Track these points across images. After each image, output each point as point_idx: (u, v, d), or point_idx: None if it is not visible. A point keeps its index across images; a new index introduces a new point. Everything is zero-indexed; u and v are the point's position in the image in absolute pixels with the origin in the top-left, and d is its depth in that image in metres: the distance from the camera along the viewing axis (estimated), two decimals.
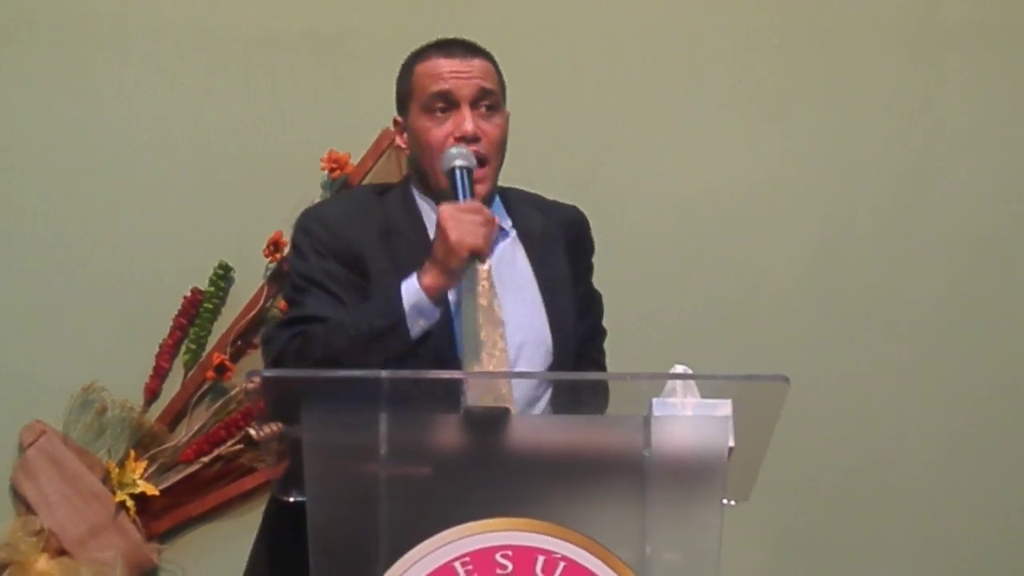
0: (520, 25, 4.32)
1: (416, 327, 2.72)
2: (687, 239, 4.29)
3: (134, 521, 4.12)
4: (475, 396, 2.54)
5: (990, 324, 4.38)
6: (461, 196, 2.76)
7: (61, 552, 4.08)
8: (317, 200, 4.17)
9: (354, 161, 4.17)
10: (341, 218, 2.96)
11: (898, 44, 4.40)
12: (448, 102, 2.89)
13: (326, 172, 4.16)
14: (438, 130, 2.89)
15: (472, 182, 2.80)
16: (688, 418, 2.36)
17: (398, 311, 2.72)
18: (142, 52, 4.24)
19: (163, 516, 4.17)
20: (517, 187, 3.12)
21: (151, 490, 4.11)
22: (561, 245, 3.04)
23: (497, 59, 3.04)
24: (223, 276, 4.19)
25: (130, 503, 4.10)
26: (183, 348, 4.20)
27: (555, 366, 2.92)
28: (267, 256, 4.15)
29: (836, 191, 4.38)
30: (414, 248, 2.85)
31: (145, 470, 4.13)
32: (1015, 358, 4.38)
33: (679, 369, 2.45)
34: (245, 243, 4.15)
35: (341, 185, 4.17)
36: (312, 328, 2.79)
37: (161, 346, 4.18)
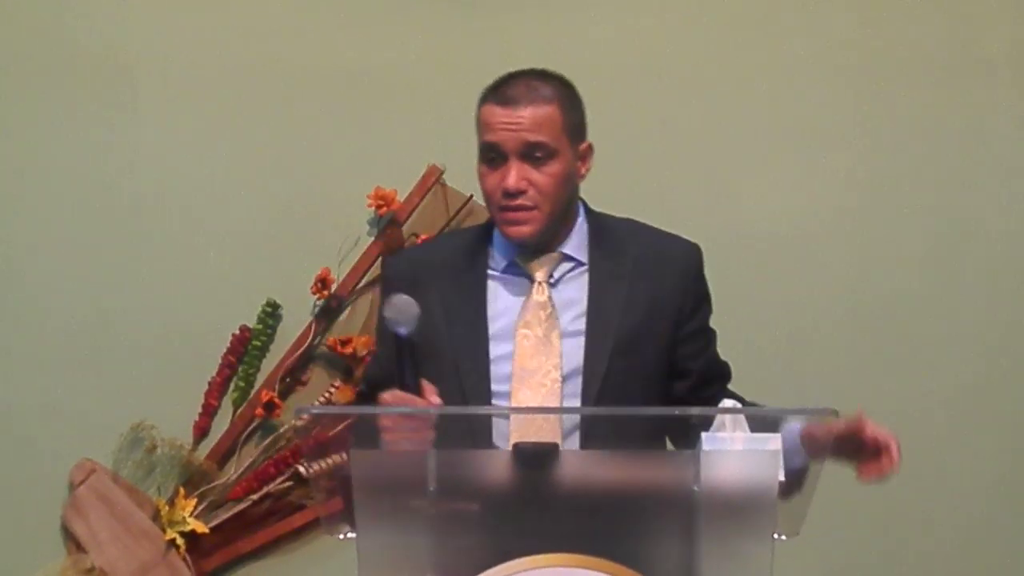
0: (562, 58, 4.30)
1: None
2: (731, 273, 4.26)
3: (184, 559, 4.13)
4: (520, 435, 2.58)
5: None
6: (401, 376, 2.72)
7: None
8: (364, 236, 4.20)
9: (400, 198, 4.18)
10: (407, 266, 3.02)
11: (939, 77, 4.38)
12: (497, 153, 2.88)
13: (373, 209, 4.18)
14: (491, 179, 2.90)
15: (404, 352, 2.71)
16: (738, 452, 2.35)
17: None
18: (186, 89, 4.27)
19: (213, 554, 4.17)
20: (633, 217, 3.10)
21: (201, 528, 4.12)
22: (652, 279, 2.98)
23: (478, 90, 3.00)
24: (271, 314, 4.20)
25: (180, 541, 4.12)
26: (232, 386, 4.21)
27: (584, 399, 2.89)
28: (315, 293, 4.16)
29: (878, 225, 4.35)
30: (461, 292, 2.90)
31: (195, 508, 4.14)
32: None
33: (728, 403, 2.45)
34: (293, 280, 4.17)
35: (388, 222, 4.18)
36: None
37: (210, 384, 4.20)
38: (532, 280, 2.90)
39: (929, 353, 4.34)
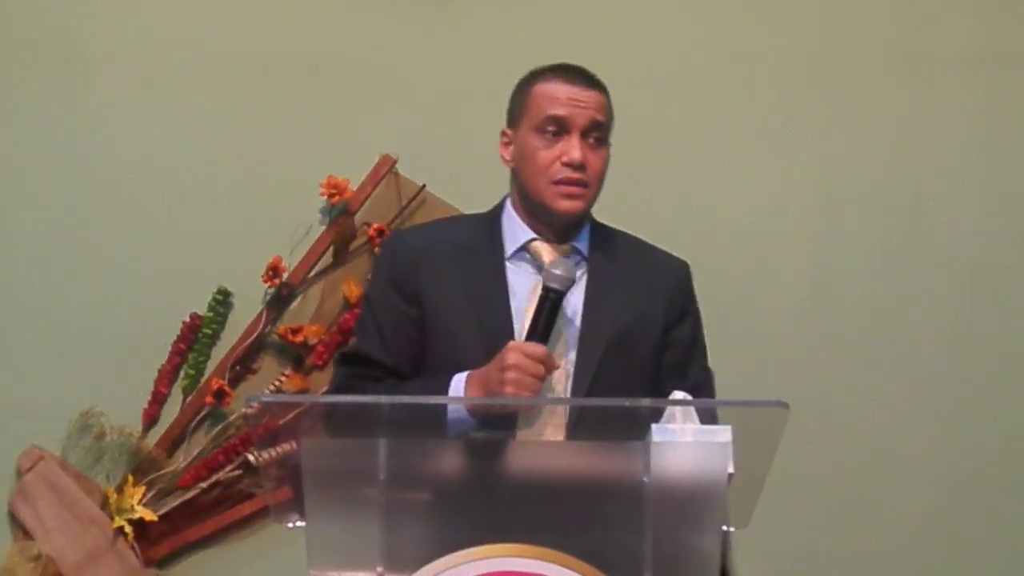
0: (526, 51, 4.32)
1: (456, 427, 2.74)
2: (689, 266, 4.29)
3: (132, 547, 4.11)
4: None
5: (988, 350, 4.38)
6: (535, 331, 2.79)
7: None
8: (316, 225, 4.19)
9: (353, 187, 4.18)
10: (414, 247, 3.04)
11: (893, 70, 4.41)
12: (560, 127, 2.95)
13: (325, 198, 4.17)
14: (547, 152, 2.95)
15: (556, 314, 2.82)
16: (688, 444, 2.36)
17: (442, 413, 2.77)
18: (138, 77, 4.26)
19: (161, 542, 4.16)
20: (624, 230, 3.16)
21: (149, 516, 4.11)
22: (645, 289, 3.04)
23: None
24: (222, 302, 4.19)
25: (128, 529, 4.10)
26: (182, 373, 4.20)
27: (575, 392, 2.93)
28: (266, 281, 4.15)
29: (834, 216, 4.38)
30: (482, 271, 2.95)
31: (143, 495, 4.13)
32: (1012, 385, 4.38)
33: (679, 395, 2.45)
34: (244, 268, 4.16)
35: (340, 211, 4.18)
36: (358, 382, 2.92)
37: (160, 371, 4.18)
38: (541, 266, 2.93)
39: (884, 346, 4.36)
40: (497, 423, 2.78)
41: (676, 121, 4.35)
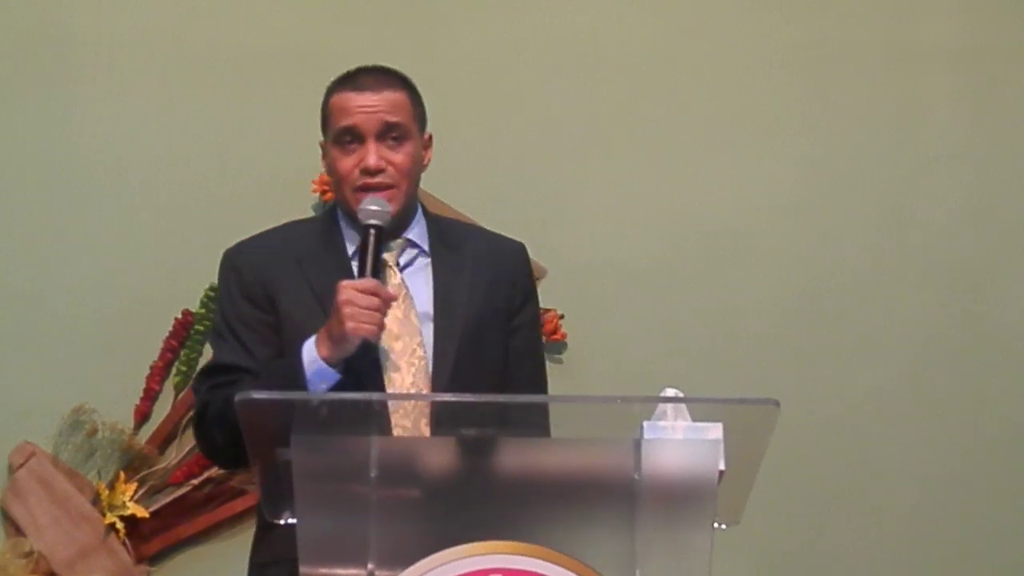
0: (502, 44, 4.33)
1: (320, 388, 2.85)
2: (679, 263, 4.30)
3: (124, 543, 4.11)
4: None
5: (976, 348, 4.39)
6: (364, 268, 2.89)
7: (50, 574, 4.07)
8: None
9: None
10: (257, 256, 3.13)
11: (880, 70, 4.42)
12: (355, 136, 3.03)
13: (317, 194, 4.17)
14: (346, 160, 3.03)
15: (380, 248, 2.91)
16: (678, 441, 2.36)
17: (300, 378, 2.86)
18: (129, 71, 4.25)
19: (153, 538, 4.16)
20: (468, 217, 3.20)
21: (141, 512, 4.11)
22: (489, 274, 3.10)
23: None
24: (214, 298, 4.18)
25: (120, 525, 4.10)
26: (173, 370, 4.20)
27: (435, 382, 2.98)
28: None
29: (822, 214, 4.40)
30: (330, 272, 2.98)
31: (135, 492, 4.12)
32: (1000, 383, 4.39)
33: (670, 392, 2.45)
34: None
35: (332, 207, 4.17)
36: (225, 389, 2.89)
37: (152, 368, 4.18)
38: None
39: (869, 343, 4.38)
40: (359, 364, 2.85)
41: (663, 119, 4.36)
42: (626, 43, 4.38)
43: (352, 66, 4.22)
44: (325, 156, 3.12)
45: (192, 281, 4.17)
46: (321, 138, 3.13)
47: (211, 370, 3.07)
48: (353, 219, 3.01)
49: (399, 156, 3.04)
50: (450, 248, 3.10)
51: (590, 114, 4.34)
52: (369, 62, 4.19)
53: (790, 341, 4.35)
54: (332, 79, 3.13)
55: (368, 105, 3.03)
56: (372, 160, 3.00)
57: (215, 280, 4.14)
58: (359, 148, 3.02)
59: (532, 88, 4.31)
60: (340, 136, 3.03)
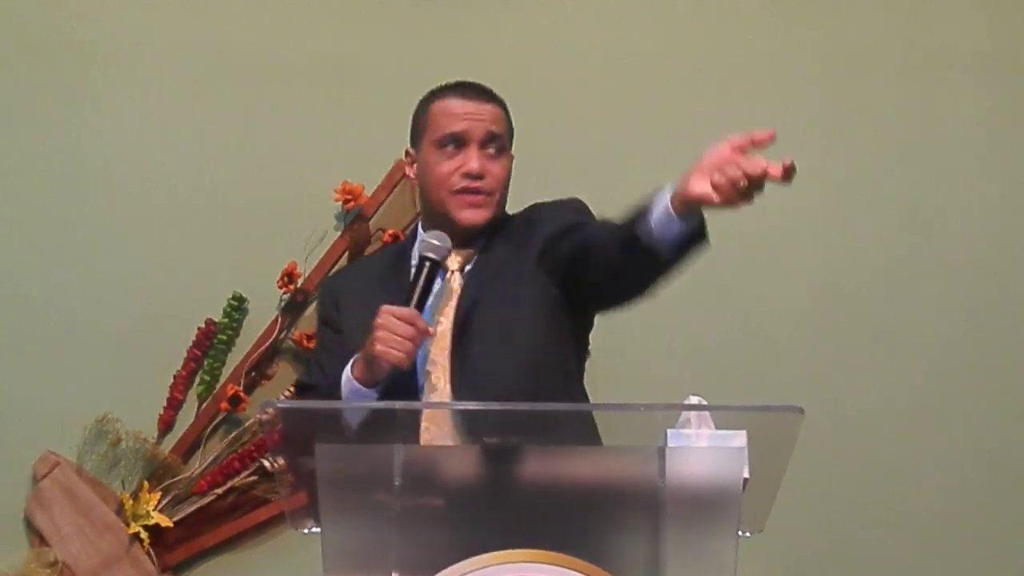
0: (527, 55, 4.34)
1: (357, 403, 2.89)
2: (701, 270, 4.27)
3: (148, 553, 4.11)
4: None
5: (998, 353, 4.38)
6: (411, 298, 2.91)
7: None
8: (331, 231, 4.20)
9: (368, 192, 4.18)
10: (339, 280, 3.34)
11: (902, 76, 4.42)
12: (459, 142, 3.09)
13: (340, 203, 4.17)
14: (447, 164, 3.09)
15: (431, 281, 2.94)
16: (703, 449, 2.36)
17: (338, 394, 2.95)
18: (153, 81, 4.27)
19: (176, 548, 4.16)
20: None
21: (165, 522, 4.11)
22: (517, 260, 3.10)
23: (502, 88, 3.23)
24: (237, 308, 4.19)
25: (144, 535, 4.10)
26: (197, 379, 4.20)
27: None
28: (281, 287, 4.16)
29: (845, 220, 4.39)
30: (392, 294, 2.97)
31: (159, 502, 4.13)
32: (1022, 389, 4.38)
33: (693, 400, 2.45)
34: (259, 274, 4.16)
35: (355, 216, 4.18)
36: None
37: (175, 377, 4.19)
38: (445, 271, 3.05)
39: (892, 349, 4.36)
40: (398, 391, 2.90)
41: (686, 127, 4.34)
42: (647, 50, 4.38)
43: (375, 77, 4.28)
44: (414, 162, 3.19)
45: (215, 291, 4.18)
46: (409, 147, 3.21)
47: (296, 389, 3.40)
48: (438, 223, 3.06)
49: (498, 167, 3.11)
50: (498, 245, 3.12)
51: (614, 122, 4.35)
52: (394, 74, 4.26)
53: (813, 348, 4.34)
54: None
55: (475, 113, 3.10)
56: (476, 164, 3.07)
57: (238, 289, 4.20)
58: (458, 154, 3.08)
59: (553, 95, 4.31)
60: (443, 140, 3.09)
